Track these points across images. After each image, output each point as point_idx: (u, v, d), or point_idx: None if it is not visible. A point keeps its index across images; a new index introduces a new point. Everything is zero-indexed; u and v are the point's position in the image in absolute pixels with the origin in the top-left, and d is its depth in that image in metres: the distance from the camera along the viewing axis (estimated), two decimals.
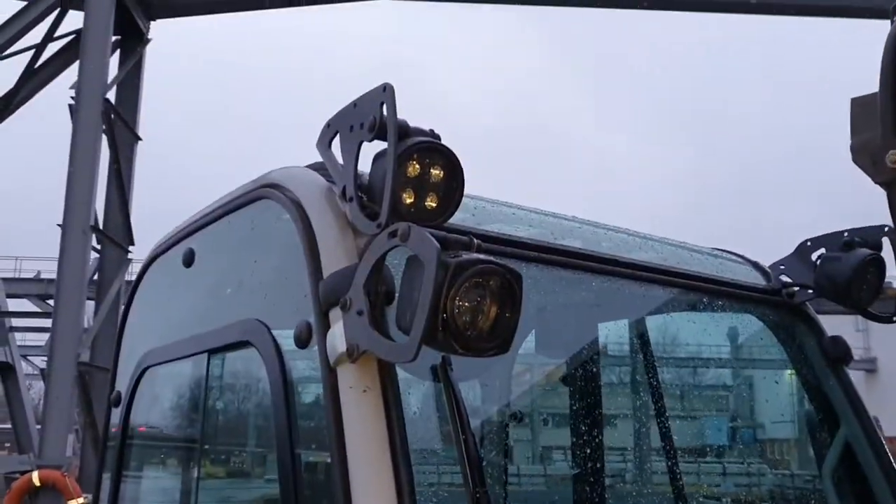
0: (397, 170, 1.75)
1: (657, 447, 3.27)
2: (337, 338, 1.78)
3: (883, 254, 2.74)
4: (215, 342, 2.35)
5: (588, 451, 3.29)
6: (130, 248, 15.20)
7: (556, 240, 2.40)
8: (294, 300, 2.01)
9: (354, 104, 1.89)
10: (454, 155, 1.85)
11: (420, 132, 1.84)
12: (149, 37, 15.36)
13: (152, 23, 15.39)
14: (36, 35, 14.42)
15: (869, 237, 2.77)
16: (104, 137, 14.02)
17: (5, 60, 14.20)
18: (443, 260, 1.57)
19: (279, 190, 2.17)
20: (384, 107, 1.79)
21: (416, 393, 2.10)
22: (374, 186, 1.84)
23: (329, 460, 1.76)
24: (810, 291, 2.84)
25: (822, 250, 2.86)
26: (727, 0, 15.84)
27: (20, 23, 13.83)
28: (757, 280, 2.94)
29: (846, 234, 2.83)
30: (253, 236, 2.33)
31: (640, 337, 3.29)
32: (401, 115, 1.81)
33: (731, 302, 2.83)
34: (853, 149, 1.29)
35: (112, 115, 14.19)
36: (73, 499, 12.15)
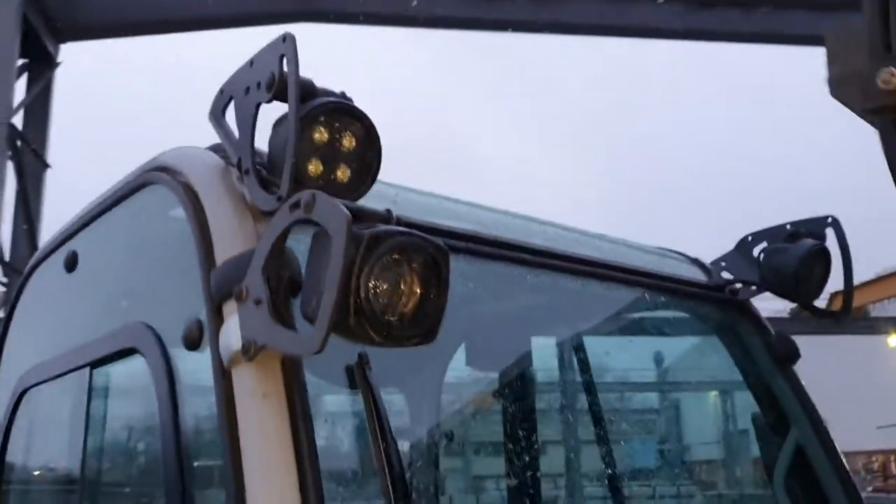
0: (300, 133, 1.50)
1: (596, 443, 3.08)
2: (231, 334, 1.50)
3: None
4: (97, 353, 2.03)
5: (526, 464, 3.05)
6: None
7: (489, 231, 2.17)
8: (185, 297, 1.72)
9: (251, 62, 1.63)
10: (369, 120, 1.60)
11: (328, 93, 1.59)
12: (58, 60, 14.72)
13: (62, 46, 14.76)
14: None
15: (813, 228, 2.63)
16: (10, 164, 13.31)
17: None
18: (354, 232, 1.32)
19: (168, 173, 1.88)
20: (284, 61, 1.53)
21: (328, 401, 1.82)
22: (274, 156, 1.57)
23: (224, 483, 1.47)
24: (754, 287, 2.68)
25: (764, 244, 2.72)
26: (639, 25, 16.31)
27: None
28: (699, 277, 2.77)
29: (789, 226, 2.69)
30: (140, 228, 2.03)
31: (577, 346, 3.10)
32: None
33: (672, 299, 2.65)
34: (832, 81, 1.10)
35: (18, 142, 13.50)
36: None
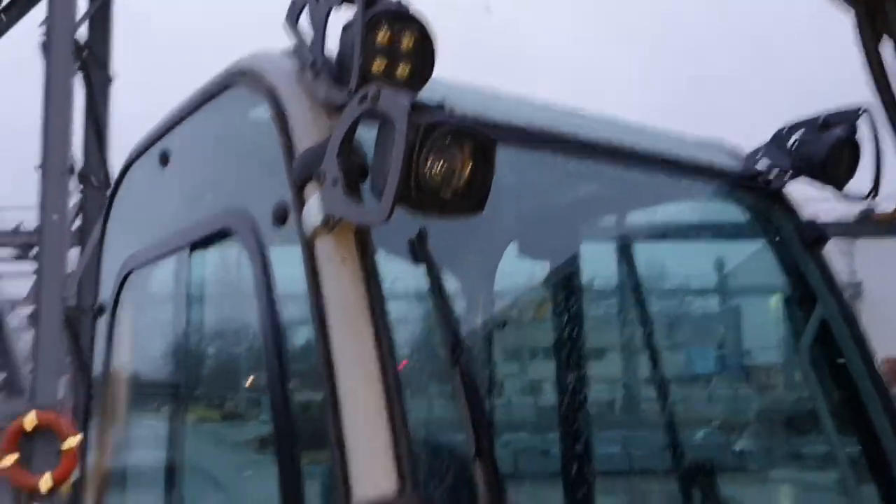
0: (366, 35, 1.73)
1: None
2: (313, 211, 1.78)
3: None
4: (196, 234, 2.34)
5: (570, 349, 3.35)
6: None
7: (533, 124, 2.38)
8: (271, 184, 2.00)
9: None
10: (426, 23, 1.82)
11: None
12: None
13: None
14: None
15: (844, 119, 2.77)
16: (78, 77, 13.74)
17: None
18: (413, 119, 1.56)
19: (249, 76, 2.13)
20: None
21: (393, 268, 2.11)
22: (343, 56, 1.81)
23: (312, 332, 1.77)
24: (787, 174, 2.85)
25: (799, 134, 2.87)
26: None
27: None
28: (736, 167, 2.94)
29: (821, 117, 2.83)
30: (225, 126, 2.30)
31: (623, 235, 3.31)
32: None
33: (710, 187, 2.85)
34: None
35: (85, 54, 13.89)
36: (68, 438, 12.27)
